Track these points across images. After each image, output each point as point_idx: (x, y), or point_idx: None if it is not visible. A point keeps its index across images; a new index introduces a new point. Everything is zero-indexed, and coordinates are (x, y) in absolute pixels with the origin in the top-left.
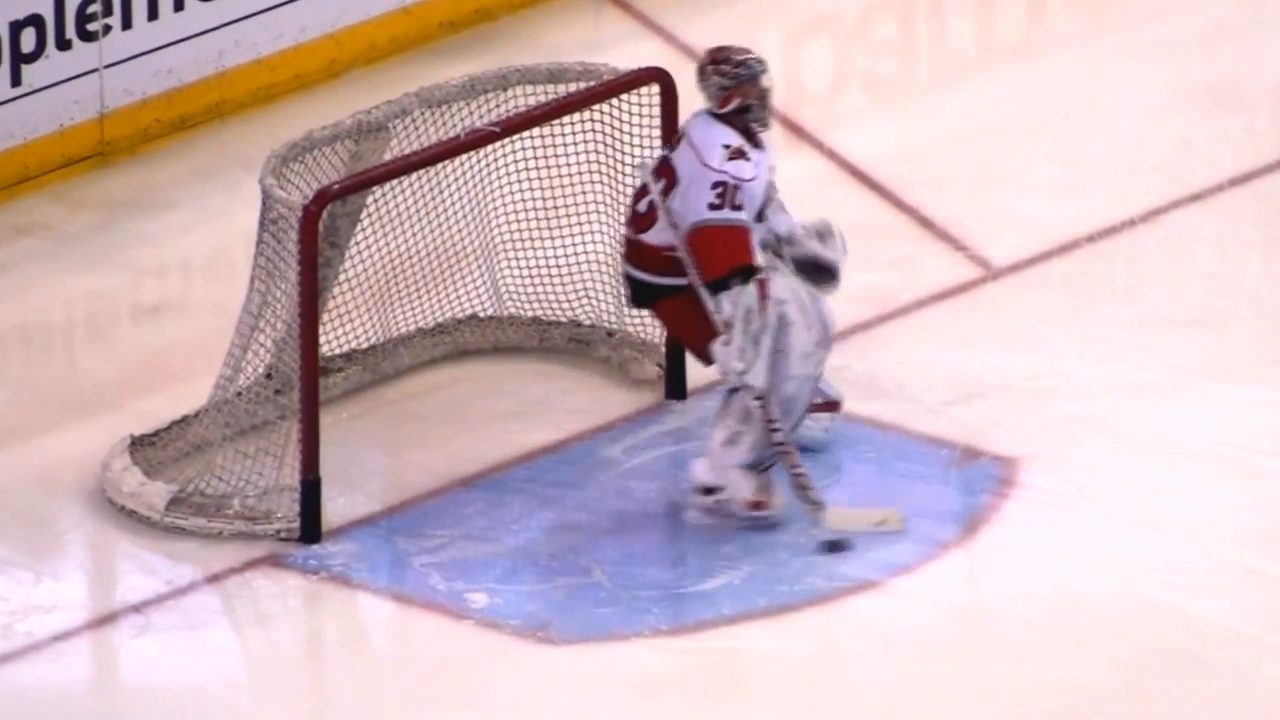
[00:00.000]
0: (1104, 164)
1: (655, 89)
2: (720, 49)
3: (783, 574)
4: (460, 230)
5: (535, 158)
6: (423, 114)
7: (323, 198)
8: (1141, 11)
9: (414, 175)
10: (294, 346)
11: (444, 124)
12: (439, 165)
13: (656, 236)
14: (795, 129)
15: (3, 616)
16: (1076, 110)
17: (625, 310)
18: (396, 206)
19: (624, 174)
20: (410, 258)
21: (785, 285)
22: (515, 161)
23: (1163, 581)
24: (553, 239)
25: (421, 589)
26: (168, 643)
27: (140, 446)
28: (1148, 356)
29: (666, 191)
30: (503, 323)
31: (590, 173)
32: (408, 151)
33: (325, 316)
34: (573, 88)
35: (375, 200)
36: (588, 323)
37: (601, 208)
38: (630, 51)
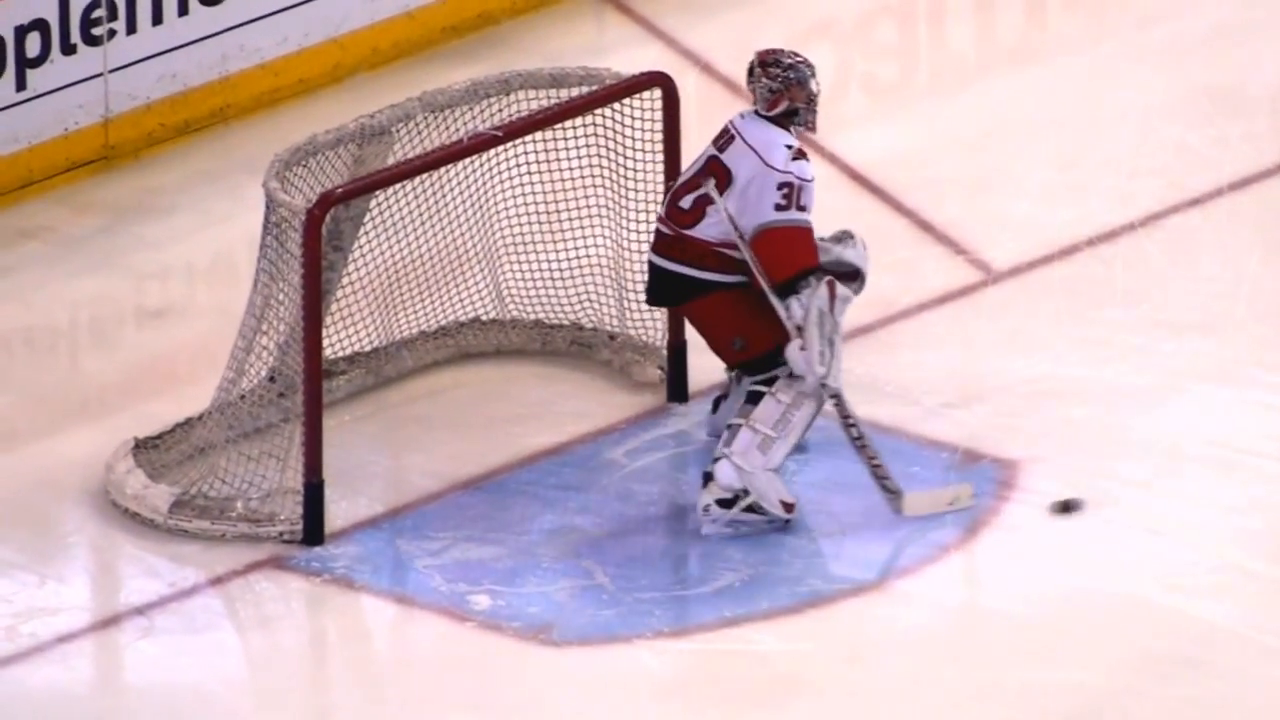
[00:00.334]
0: (1104, 168)
1: (657, 93)
2: (771, 51)
3: (784, 576)
4: (463, 234)
5: (537, 162)
6: (425, 118)
7: (326, 201)
8: (1141, 16)
9: (417, 179)
10: (297, 350)
11: (447, 128)
12: (442, 169)
13: (706, 231)
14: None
15: (7, 618)
16: (1076, 114)
17: (627, 313)
18: (399, 210)
19: (626, 178)
20: (413, 261)
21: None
22: (518, 165)
23: (1163, 584)
24: (555, 243)
25: (424, 591)
26: (171, 645)
27: (144, 449)
28: (1147, 360)
29: (720, 191)
30: (505, 326)
31: (592, 177)
32: (411, 155)
33: (328, 320)
34: (575, 92)
35: (378, 204)
36: (590, 326)
37: (603, 212)
38: (632, 56)
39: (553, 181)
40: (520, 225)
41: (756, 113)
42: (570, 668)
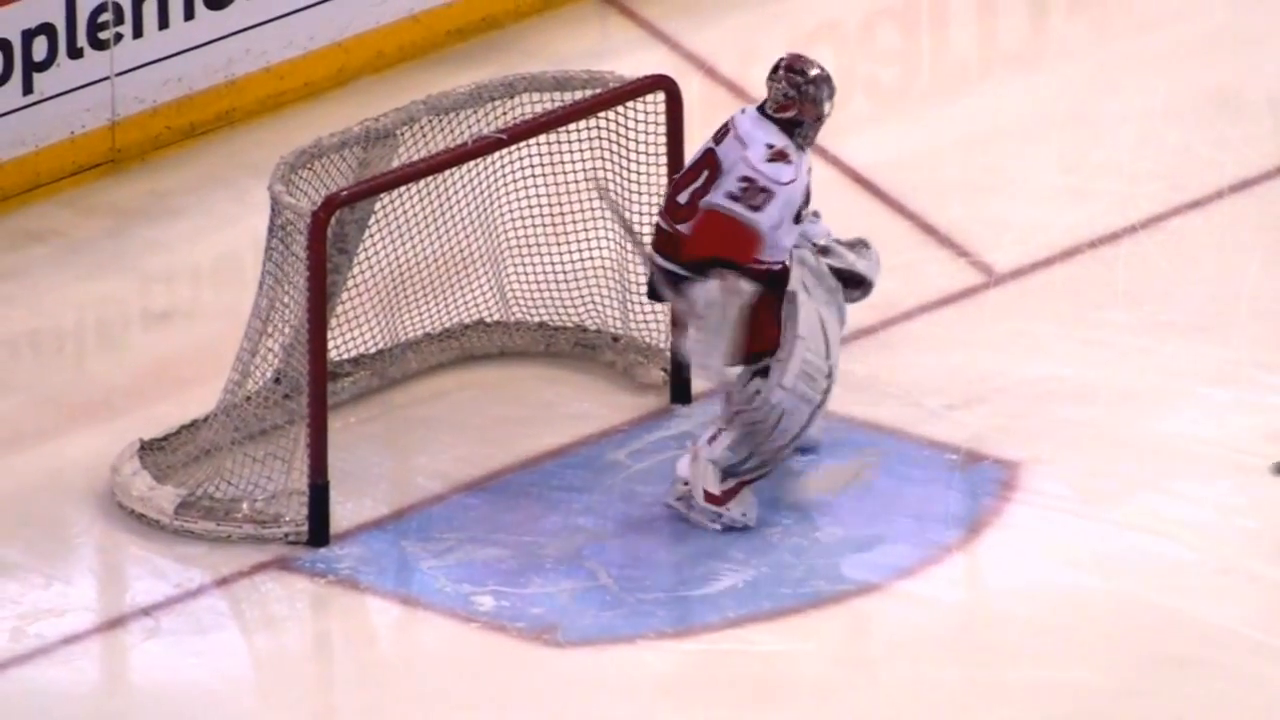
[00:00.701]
0: (1105, 170)
1: (661, 96)
2: (800, 58)
3: (787, 577)
4: (467, 236)
5: (541, 164)
6: (430, 121)
7: (331, 204)
8: (1142, 20)
9: (421, 182)
10: (302, 351)
11: (451, 131)
12: (446, 172)
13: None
14: None
15: (14, 619)
16: (1078, 117)
17: (631, 315)
18: (404, 213)
19: (630, 180)
20: (418, 263)
21: (809, 306)
22: (522, 168)
23: (1164, 585)
24: (559, 245)
25: (428, 592)
26: (177, 645)
27: (150, 451)
28: (1149, 361)
29: (709, 184)
30: (509, 328)
31: (596, 179)
32: (415, 158)
33: (333, 322)
34: (579, 95)
35: (383, 207)
36: (593, 328)
37: (607, 214)
38: (636, 59)
39: (557, 184)
40: (524, 227)
41: (761, 109)
42: (574, 668)
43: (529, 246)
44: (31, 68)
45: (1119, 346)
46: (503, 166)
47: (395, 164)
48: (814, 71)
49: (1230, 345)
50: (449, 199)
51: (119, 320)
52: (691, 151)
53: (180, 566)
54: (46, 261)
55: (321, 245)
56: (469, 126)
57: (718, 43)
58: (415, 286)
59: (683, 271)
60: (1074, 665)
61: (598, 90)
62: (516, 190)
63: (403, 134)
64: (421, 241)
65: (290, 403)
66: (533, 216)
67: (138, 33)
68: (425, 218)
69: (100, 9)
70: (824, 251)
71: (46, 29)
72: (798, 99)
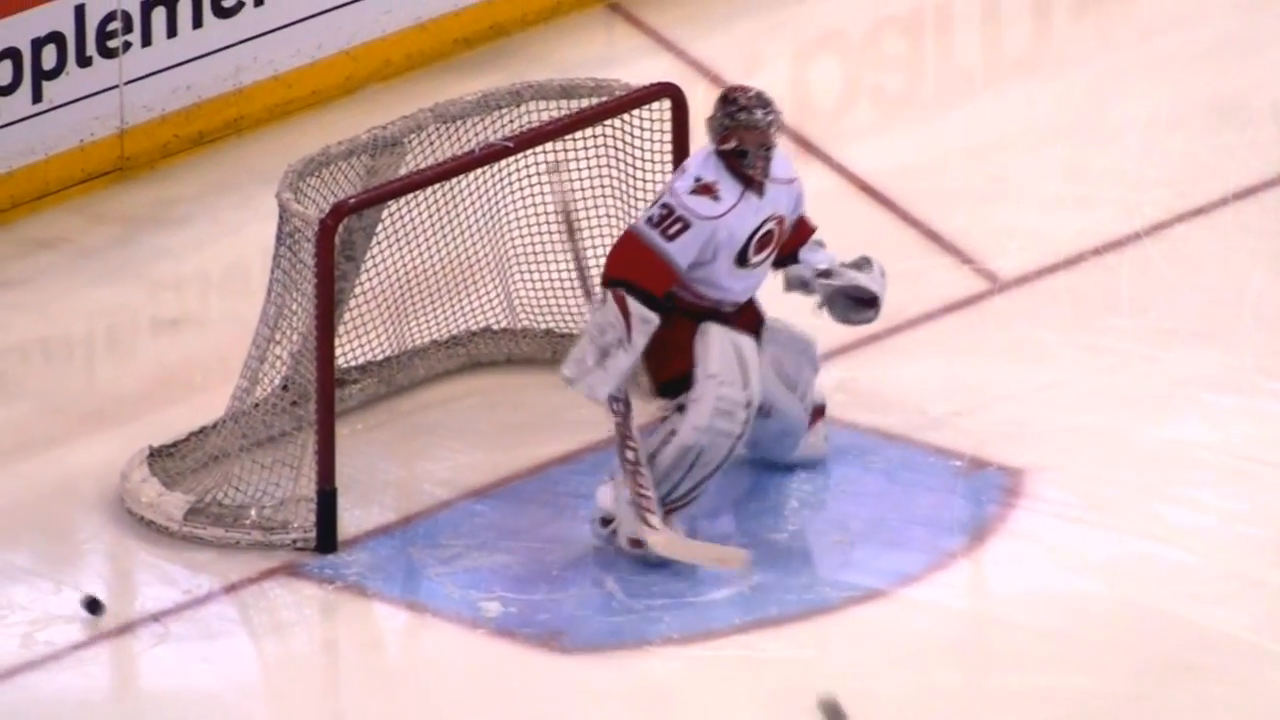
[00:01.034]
0: (1110, 178)
1: (666, 104)
2: (734, 89)
3: (792, 583)
4: (474, 244)
5: (548, 172)
6: (437, 129)
7: (339, 212)
8: (1146, 27)
9: (429, 190)
10: (310, 359)
11: (458, 139)
12: (453, 180)
13: None
14: (804, 144)
15: (23, 625)
16: (1082, 125)
17: None
18: (411, 220)
19: (636, 188)
20: (425, 271)
21: (722, 337)
22: (528, 176)
23: (1168, 591)
24: (565, 252)
25: (435, 598)
26: (185, 651)
27: (159, 457)
28: (1153, 368)
29: None
30: (516, 335)
31: (602, 187)
32: (422, 166)
33: (341, 329)
34: (585, 103)
35: (390, 214)
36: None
37: (613, 221)
38: (642, 67)
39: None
40: (531, 235)
41: (716, 147)
42: (580, 674)
43: (536, 254)
44: (41, 76)
45: (1123, 353)
46: (509, 174)
47: (403, 172)
48: (745, 98)
49: (1234, 352)
50: (456, 206)
51: (128, 327)
52: None
53: (189, 572)
54: (56, 269)
55: (329, 252)
56: (476, 134)
57: (723, 50)
58: (422, 294)
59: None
60: (1078, 671)
61: (604, 98)
62: (523, 198)
63: (410, 142)
64: (429, 249)
65: (298, 409)
66: (539, 224)
67: (146, 41)
68: (432, 225)
69: (109, 18)
70: (826, 275)
71: (55, 37)
72: (734, 127)
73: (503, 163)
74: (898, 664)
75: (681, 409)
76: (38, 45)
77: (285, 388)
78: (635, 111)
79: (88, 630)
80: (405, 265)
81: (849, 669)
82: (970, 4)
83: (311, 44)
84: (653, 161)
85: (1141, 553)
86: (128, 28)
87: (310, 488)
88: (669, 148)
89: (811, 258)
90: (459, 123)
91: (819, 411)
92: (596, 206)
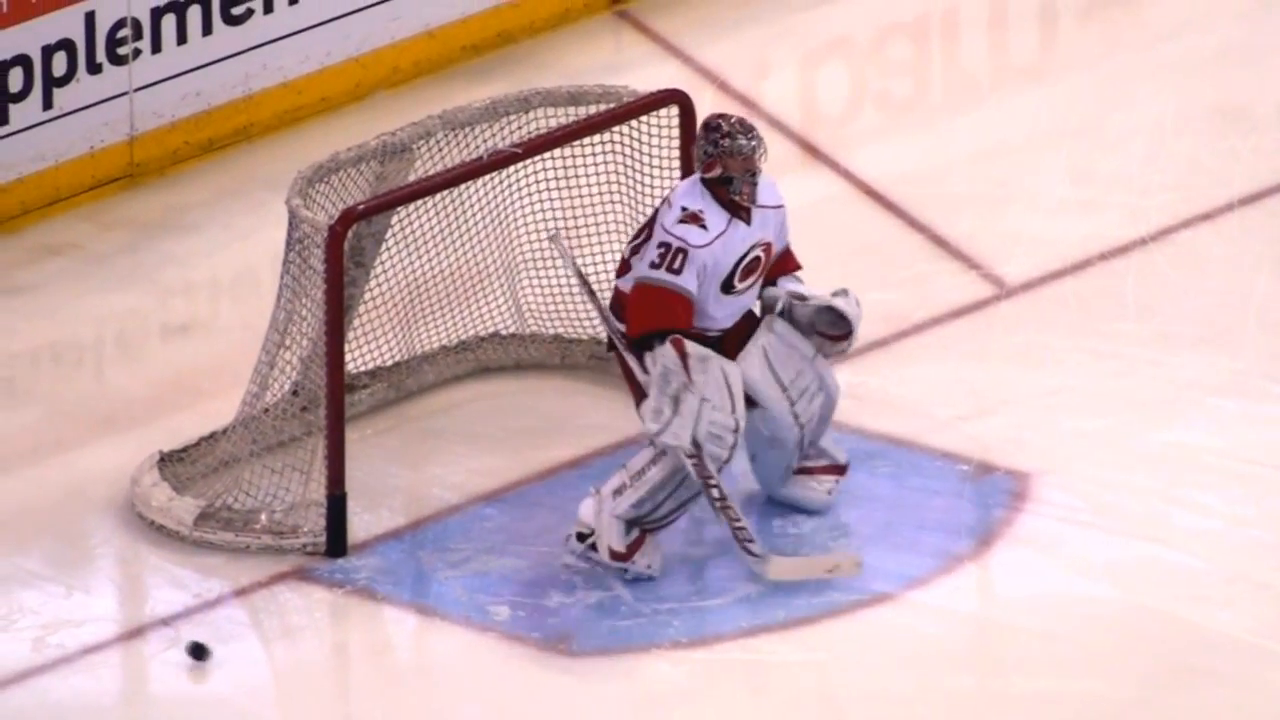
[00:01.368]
0: (1115, 183)
1: (674, 110)
2: (717, 116)
3: (801, 587)
4: (483, 250)
5: (556, 178)
6: (446, 136)
7: (348, 218)
8: (1152, 32)
9: (437, 196)
10: (320, 364)
11: (467, 145)
12: (462, 186)
13: (624, 285)
14: (811, 150)
15: (34, 629)
16: (1088, 130)
17: None
18: (420, 226)
19: (644, 195)
20: (434, 277)
21: (712, 364)
22: (537, 182)
23: (1174, 595)
24: (574, 257)
25: (445, 602)
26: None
27: (169, 462)
28: (1159, 372)
29: (645, 244)
30: (525, 340)
31: (610, 193)
32: (431, 172)
33: (350, 334)
34: (593, 109)
35: (399, 220)
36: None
37: (621, 227)
38: (650, 74)
39: (571, 198)
40: (539, 241)
41: (700, 176)
42: (589, 678)
43: (544, 259)
44: (51, 83)
45: (1129, 358)
46: (518, 180)
47: (411, 178)
48: (728, 125)
49: (1239, 356)
50: (465, 213)
51: (138, 333)
52: None
53: (199, 577)
54: (66, 275)
55: (338, 259)
56: (484, 141)
57: (730, 57)
58: (431, 299)
59: (634, 348)
60: (1084, 675)
61: (612, 105)
62: (532, 204)
63: (419, 148)
64: (438, 255)
65: (308, 415)
66: (548, 230)
67: (156, 48)
68: (441, 231)
69: (119, 25)
70: (801, 298)
71: (66, 45)
72: (718, 155)
73: (511, 169)
74: (905, 667)
75: None
76: (48, 52)
77: (295, 393)
78: (643, 118)
79: (101, 635)
80: (414, 271)
81: (857, 673)
82: (976, 10)
83: (320, 51)
84: (660, 168)
85: (1147, 556)
86: (138, 35)
87: (320, 492)
88: (677, 154)
89: (789, 285)
90: (467, 129)
91: (835, 468)
92: (604, 213)
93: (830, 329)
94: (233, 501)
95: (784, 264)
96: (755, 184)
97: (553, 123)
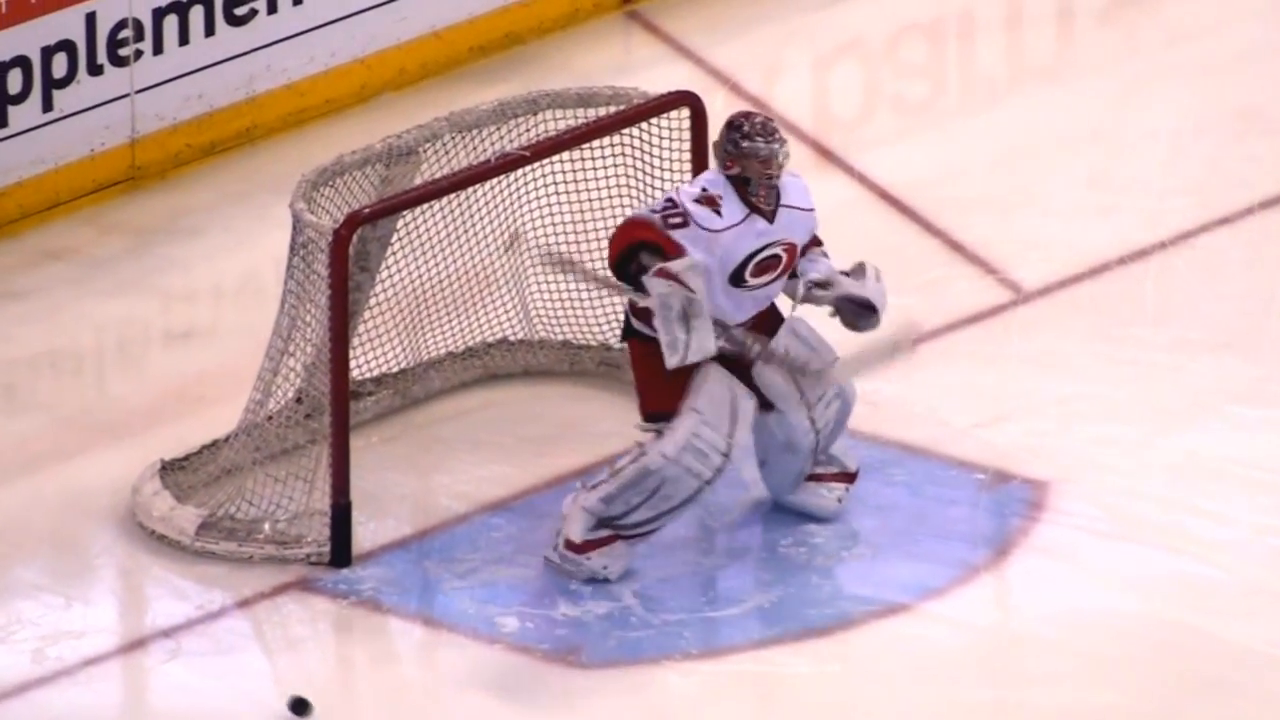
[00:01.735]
0: (1134, 187)
1: (685, 113)
2: (741, 115)
3: (813, 598)
4: (490, 254)
5: (565, 182)
6: (453, 138)
7: (353, 222)
8: (1171, 34)
9: (444, 199)
10: (324, 371)
11: (474, 148)
12: (469, 189)
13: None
14: (824, 153)
15: (34, 641)
16: (1106, 133)
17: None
18: (427, 230)
19: (654, 199)
20: (440, 282)
21: (721, 381)
22: (545, 185)
23: (1194, 605)
24: (583, 262)
25: (452, 613)
26: (198, 667)
27: (170, 471)
28: (1177, 378)
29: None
30: (533, 346)
31: (620, 197)
32: (438, 176)
33: (355, 340)
34: (602, 112)
35: (405, 224)
36: (618, 346)
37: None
38: (660, 75)
39: (580, 201)
40: (548, 245)
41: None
42: (598, 691)
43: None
44: (51, 85)
45: (1147, 364)
46: (526, 184)
47: (418, 181)
48: (749, 125)
49: (1259, 363)
50: (472, 216)
51: (139, 339)
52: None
53: (201, 587)
54: (66, 280)
55: (343, 263)
56: (492, 143)
57: (742, 58)
58: (438, 305)
59: (623, 284)
60: (1103, 687)
61: (621, 107)
62: (540, 207)
63: (425, 151)
64: (444, 259)
65: (312, 422)
66: (556, 234)
67: (158, 49)
68: (448, 235)
69: (120, 25)
70: (823, 285)
71: (66, 46)
72: (737, 155)
73: (519, 172)
74: (920, 680)
75: (660, 435)
76: (48, 53)
77: (299, 400)
78: (653, 120)
79: (101, 647)
80: (420, 276)
81: (871, 685)
82: (993, 11)
83: (325, 52)
84: (671, 171)
85: (1167, 567)
86: (139, 35)
87: (324, 501)
88: (688, 157)
89: (808, 268)
90: (474, 132)
91: (845, 475)
92: (614, 217)
93: (855, 318)
94: (235, 511)
95: (810, 247)
96: (773, 187)
97: (561, 125)
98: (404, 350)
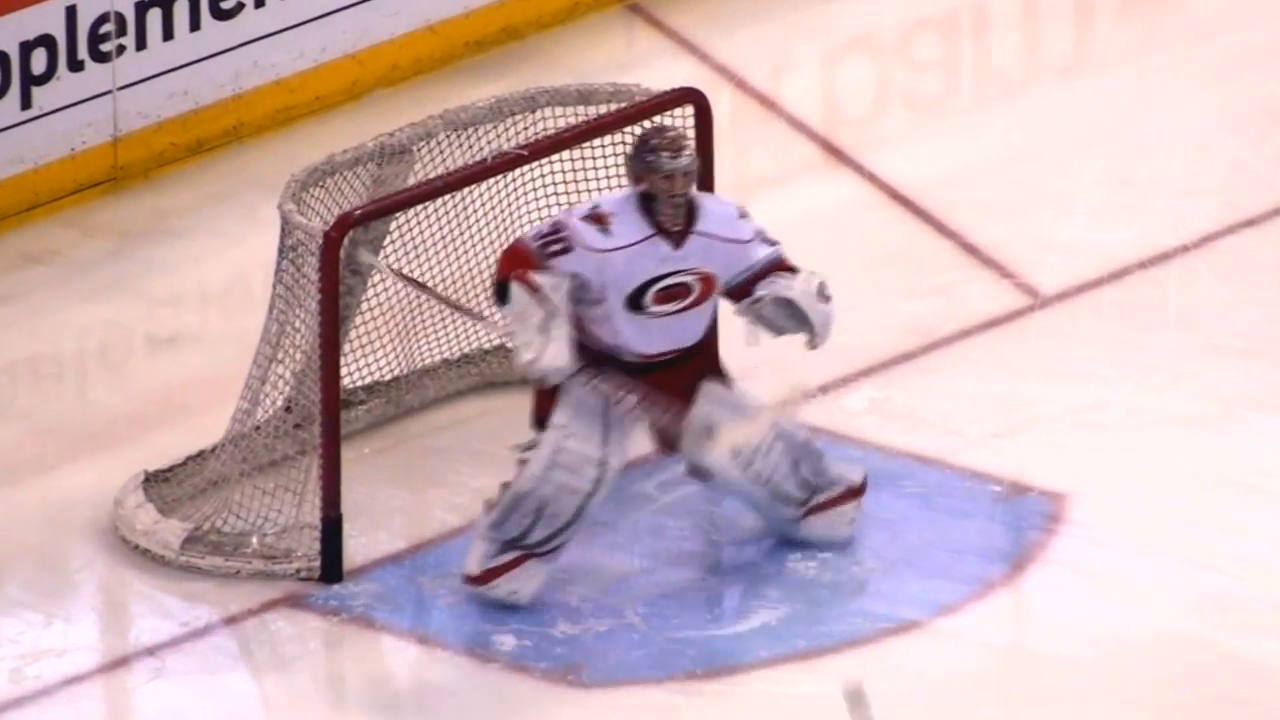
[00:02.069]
0: (1156, 187)
1: (689, 110)
2: (652, 130)
3: (822, 615)
4: (487, 257)
5: (565, 182)
6: (448, 137)
7: (344, 224)
8: (1195, 28)
9: (439, 201)
10: (314, 378)
11: (470, 147)
12: (465, 190)
13: None
14: (834, 151)
15: (12, 660)
16: (1127, 131)
17: None
18: (421, 233)
19: None
20: (435, 286)
21: (584, 394)
22: (544, 186)
23: (1217, 622)
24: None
25: (446, 631)
26: (183, 687)
27: (154, 483)
28: (1201, 387)
29: None
30: None
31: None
32: (432, 176)
33: (347, 347)
34: (604, 109)
35: (399, 226)
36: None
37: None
38: (663, 71)
39: (581, 202)
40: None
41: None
42: (599, 711)
43: None
44: (30, 81)
45: (1170, 371)
46: (524, 184)
47: (411, 182)
48: (657, 140)
49: None
50: (467, 218)
51: (122, 345)
52: (721, 168)
53: (186, 604)
54: (46, 284)
55: (334, 267)
56: (488, 142)
57: (749, 53)
58: (433, 310)
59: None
60: (1123, 706)
61: (623, 104)
62: (538, 209)
63: (419, 150)
64: (439, 263)
65: (302, 432)
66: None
67: (141, 44)
68: (443, 238)
69: (102, 19)
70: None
71: (45, 40)
72: (643, 169)
73: (517, 172)
74: (935, 700)
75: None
76: (26, 48)
77: (288, 409)
78: (656, 118)
79: (83, 666)
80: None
81: (883, 706)
82: (1009, 4)
83: (315, 47)
84: None
85: (1189, 582)
86: (121, 30)
87: (314, 514)
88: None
89: (761, 287)
90: (470, 130)
91: (851, 493)
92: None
93: (795, 327)
94: (222, 524)
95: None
96: (678, 206)
97: (561, 123)
98: (397, 357)
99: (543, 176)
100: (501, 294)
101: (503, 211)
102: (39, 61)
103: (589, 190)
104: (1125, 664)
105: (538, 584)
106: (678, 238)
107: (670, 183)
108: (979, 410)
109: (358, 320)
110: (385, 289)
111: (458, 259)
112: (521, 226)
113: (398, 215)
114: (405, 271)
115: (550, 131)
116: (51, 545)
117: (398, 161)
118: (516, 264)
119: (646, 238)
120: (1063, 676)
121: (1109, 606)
